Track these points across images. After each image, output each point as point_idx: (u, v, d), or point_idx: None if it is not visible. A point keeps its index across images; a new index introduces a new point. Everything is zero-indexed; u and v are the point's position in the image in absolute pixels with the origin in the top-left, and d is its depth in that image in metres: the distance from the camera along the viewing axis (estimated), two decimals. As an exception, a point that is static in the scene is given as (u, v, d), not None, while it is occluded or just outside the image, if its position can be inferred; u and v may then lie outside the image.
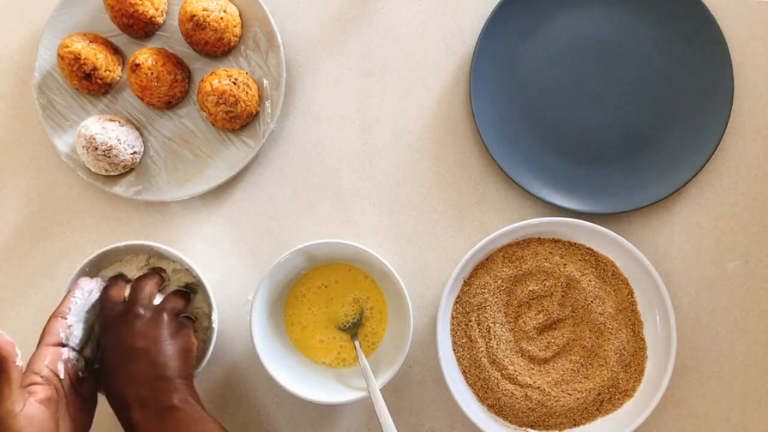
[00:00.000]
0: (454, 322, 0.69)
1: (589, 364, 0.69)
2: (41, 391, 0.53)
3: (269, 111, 0.69)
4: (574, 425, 0.68)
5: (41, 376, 0.54)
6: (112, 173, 0.68)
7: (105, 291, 0.62)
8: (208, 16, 0.65)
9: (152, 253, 0.67)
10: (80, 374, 0.58)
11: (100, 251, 0.64)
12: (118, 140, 0.66)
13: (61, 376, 0.56)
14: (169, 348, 0.58)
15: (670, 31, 0.70)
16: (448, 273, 0.70)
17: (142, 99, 0.69)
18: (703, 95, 0.69)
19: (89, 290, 0.62)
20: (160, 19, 0.69)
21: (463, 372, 0.69)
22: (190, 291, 0.66)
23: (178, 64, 0.68)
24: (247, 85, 0.67)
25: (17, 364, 0.51)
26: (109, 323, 0.59)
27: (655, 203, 0.69)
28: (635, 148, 0.71)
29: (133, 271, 0.67)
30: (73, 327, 0.59)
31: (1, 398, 0.50)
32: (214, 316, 0.65)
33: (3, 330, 0.71)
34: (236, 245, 0.72)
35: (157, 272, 0.65)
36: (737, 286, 0.71)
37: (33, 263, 0.72)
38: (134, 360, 0.57)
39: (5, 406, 0.49)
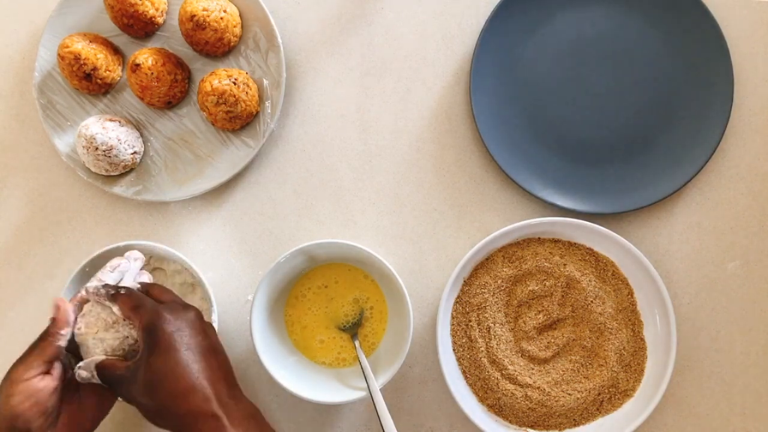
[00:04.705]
0: (454, 322, 0.69)
1: (589, 364, 0.69)
2: (58, 368, 0.54)
3: (269, 111, 0.69)
4: (574, 425, 0.68)
5: (58, 356, 0.54)
6: (112, 173, 0.68)
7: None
8: (208, 16, 0.65)
9: (152, 253, 0.67)
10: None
11: (100, 251, 0.65)
12: (118, 140, 0.66)
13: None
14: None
15: (670, 31, 0.70)
16: (448, 273, 0.70)
17: (142, 99, 0.68)
18: (703, 95, 0.69)
19: (122, 271, 0.60)
20: (160, 19, 0.69)
21: (463, 372, 0.69)
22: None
23: (178, 64, 0.68)
24: (247, 85, 0.67)
25: (58, 343, 0.53)
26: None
27: (655, 203, 0.69)
28: (635, 148, 0.71)
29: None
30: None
31: (23, 360, 0.52)
32: (214, 317, 0.65)
33: (3, 331, 0.72)
34: (236, 245, 0.72)
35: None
36: (737, 286, 0.71)
37: (33, 263, 0.72)
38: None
39: (20, 368, 0.52)
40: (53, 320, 0.55)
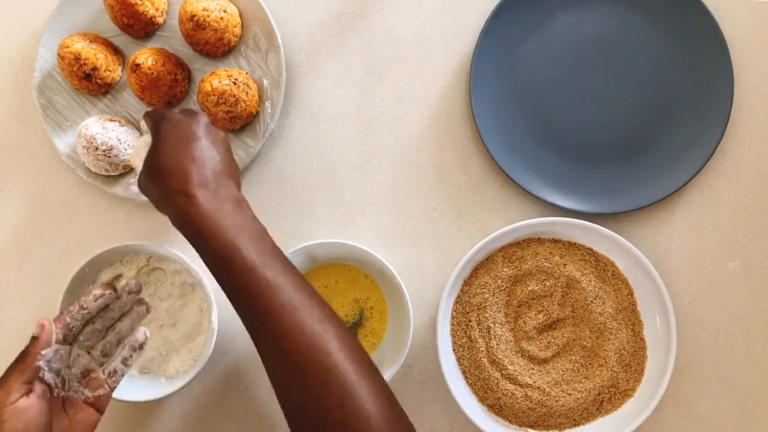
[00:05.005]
0: (454, 322, 0.69)
1: (589, 364, 0.69)
2: (39, 387, 0.53)
3: (269, 111, 0.69)
4: (574, 425, 0.68)
5: (39, 374, 0.53)
6: (112, 173, 0.68)
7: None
8: (208, 16, 0.65)
9: (152, 253, 0.67)
10: (83, 373, 0.57)
11: (100, 251, 0.65)
12: (118, 140, 0.66)
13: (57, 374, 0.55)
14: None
15: (670, 31, 0.70)
16: (448, 273, 0.70)
17: (142, 99, 0.69)
18: (703, 95, 0.69)
19: (96, 297, 0.58)
20: (160, 19, 0.69)
21: (463, 372, 0.69)
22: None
23: (178, 64, 0.68)
24: (247, 85, 0.67)
25: (37, 364, 0.52)
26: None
27: (655, 203, 0.69)
28: (635, 148, 0.71)
29: (132, 271, 0.67)
30: (77, 328, 0.57)
31: (3, 383, 0.51)
32: (214, 316, 0.65)
33: (3, 331, 0.72)
34: (236, 245, 0.72)
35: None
36: (737, 286, 0.71)
37: (33, 263, 0.72)
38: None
39: (1, 393, 0.50)
40: (35, 340, 0.53)
